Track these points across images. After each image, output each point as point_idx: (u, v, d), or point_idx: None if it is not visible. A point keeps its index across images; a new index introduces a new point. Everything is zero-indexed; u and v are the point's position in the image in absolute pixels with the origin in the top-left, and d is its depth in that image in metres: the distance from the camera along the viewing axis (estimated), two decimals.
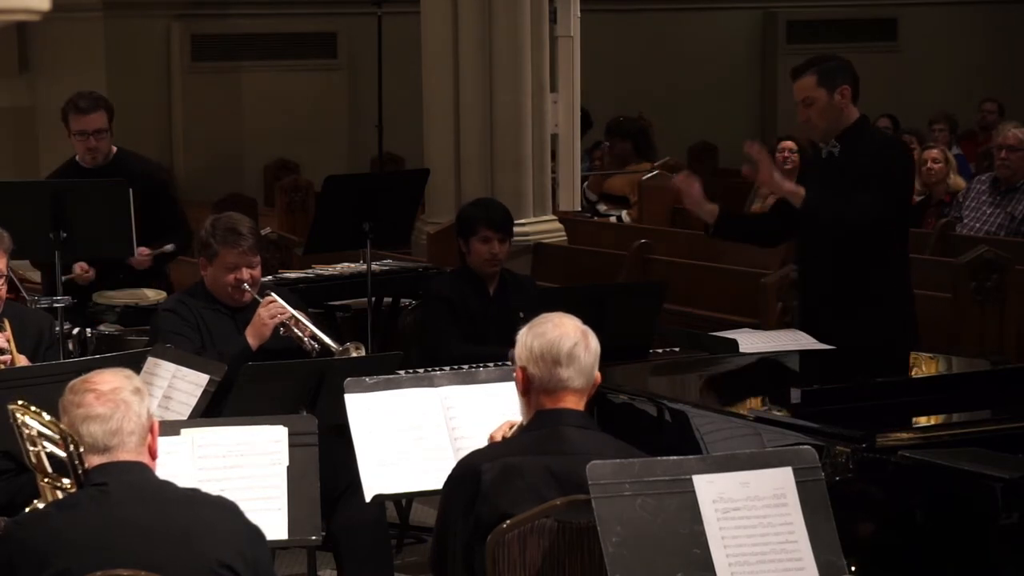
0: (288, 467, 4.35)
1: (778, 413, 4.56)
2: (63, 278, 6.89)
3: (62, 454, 3.71)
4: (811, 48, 13.07)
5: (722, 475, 3.67)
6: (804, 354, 5.68)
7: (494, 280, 6.77)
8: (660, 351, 6.41)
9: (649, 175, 11.37)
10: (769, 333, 6.15)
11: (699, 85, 15.43)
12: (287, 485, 4.33)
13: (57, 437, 3.73)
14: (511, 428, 4.23)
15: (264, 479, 4.33)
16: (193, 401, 5.06)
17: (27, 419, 3.87)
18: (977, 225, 9.49)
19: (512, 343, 4.13)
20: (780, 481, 3.69)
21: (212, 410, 5.06)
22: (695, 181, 6.22)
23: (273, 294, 5.89)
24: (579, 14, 10.33)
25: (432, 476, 4.48)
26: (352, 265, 8.28)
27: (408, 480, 4.59)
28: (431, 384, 4.71)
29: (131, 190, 6.85)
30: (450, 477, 4.05)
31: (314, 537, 4.36)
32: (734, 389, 5.45)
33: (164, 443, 3.89)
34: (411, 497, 6.26)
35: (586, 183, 11.43)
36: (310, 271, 8.23)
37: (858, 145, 6.02)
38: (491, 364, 5.79)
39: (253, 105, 13.81)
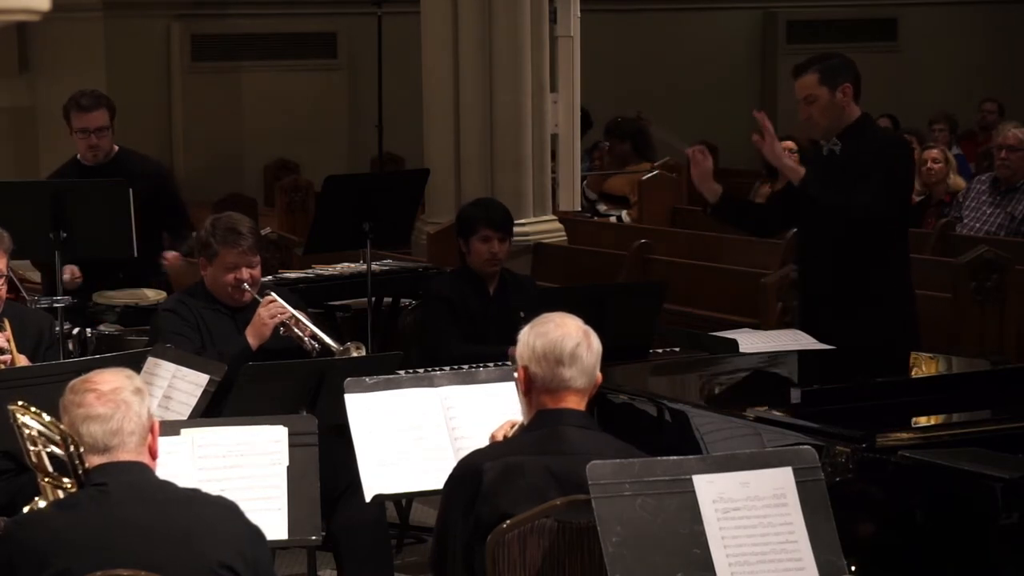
0: (288, 467, 4.35)
1: (778, 413, 4.55)
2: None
3: (62, 454, 3.71)
4: (811, 48, 13.05)
5: (722, 475, 3.67)
6: (804, 354, 5.68)
7: (494, 280, 6.78)
8: (660, 351, 6.40)
9: (649, 175, 11.37)
10: (769, 333, 6.15)
11: (699, 85, 15.43)
12: (287, 485, 4.33)
13: (57, 438, 3.73)
14: (512, 427, 4.23)
15: (264, 479, 4.33)
16: (193, 401, 5.06)
17: (27, 419, 3.87)
18: (977, 225, 9.49)
19: (512, 343, 4.13)
20: (780, 481, 3.69)
21: (212, 410, 5.06)
22: (709, 157, 6.23)
23: (273, 294, 5.89)
24: (579, 14, 10.34)
25: (432, 476, 4.48)
26: (352, 265, 8.28)
27: (408, 480, 4.59)
28: (431, 384, 4.71)
29: (131, 190, 6.85)
30: (451, 477, 4.05)
31: (314, 537, 4.36)
32: (734, 389, 5.45)
33: (164, 443, 3.89)
34: (411, 497, 6.26)
35: (585, 182, 11.43)
36: (310, 271, 8.22)
37: (860, 143, 6.03)
38: (491, 364, 5.80)
39: (253, 105, 13.81)
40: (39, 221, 6.74)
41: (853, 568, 3.89)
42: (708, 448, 4.60)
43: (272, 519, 4.24)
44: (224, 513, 3.67)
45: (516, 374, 4.10)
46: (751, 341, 5.80)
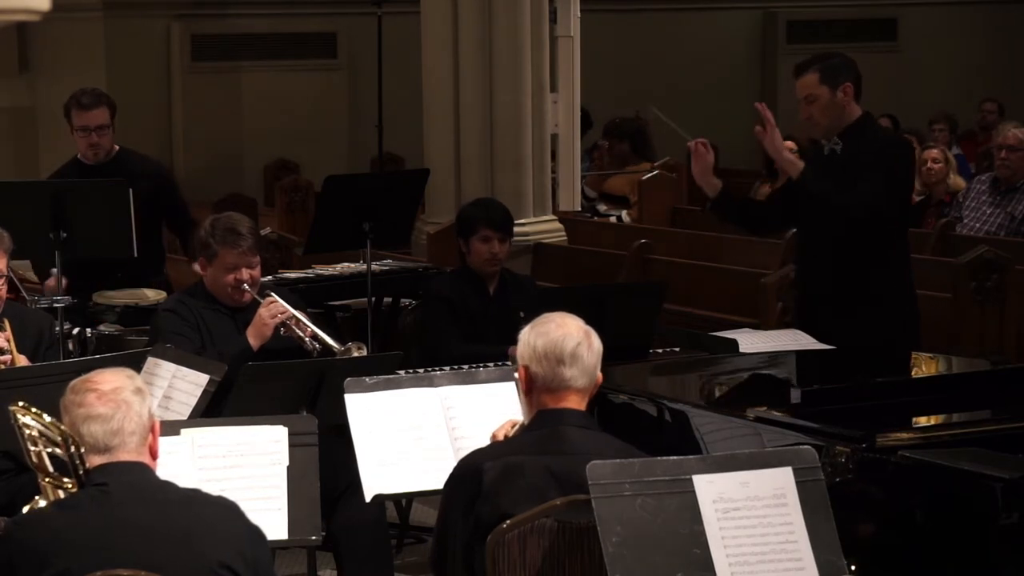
0: (288, 467, 4.35)
1: (778, 413, 4.55)
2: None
3: (63, 455, 3.71)
4: (811, 48, 13.03)
5: (722, 475, 3.67)
6: (804, 354, 5.68)
7: (494, 280, 6.78)
8: (660, 351, 6.41)
9: (649, 175, 11.37)
10: (769, 333, 6.15)
11: (699, 85, 15.42)
12: (287, 485, 4.32)
13: (58, 438, 3.73)
14: (513, 427, 4.23)
15: (264, 479, 4.33)
16: (193, 401, 5.06)
17: (28, 420, 3.87)
18: (977, 225, 9.49)
19: (512, 343, 4.14)
20: (780, 481, 3.69)
21: (212, 410, 5.06)
22: (711, 151, 6.22)
23: (273, 294, 5.89)
24: (579, 14, 10.33)
25: (432, 476, 4.48)
26: (352, 265, 8.28)
27: (408, 480, 4.59)
28: (431, 384, 4.71)
29: (132, 190, 6.86)
30: (451, 476, 4.05)
31: (314, 537, 4.36)
32: (734, 389, 5.45)
33: (164, 443, 3.89)
34: (411, 497, 6.26)
35: (584, 180, 11.42)
36: (310, 271, 8.22)
37: (861, 143, 6.03)
38: (491, 364, 5.80)
39: (253, 105, 13.81)
40: (39, 221, 6.74)
41: (853, 568, 3.89)
42: (708, 448, 4.60)
43: (272, 519, 4.24)
44: (224, 513, 3.67)
45: (516, 374, 4.10)
46: (751, 341, 5.80)
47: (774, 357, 5.67)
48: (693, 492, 3.64)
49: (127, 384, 3.68)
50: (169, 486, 3.69)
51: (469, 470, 3.97)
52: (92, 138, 7.28)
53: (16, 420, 3.90)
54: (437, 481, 4.24)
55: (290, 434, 4.39)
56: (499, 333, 6.27)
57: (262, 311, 5.76)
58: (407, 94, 11.38)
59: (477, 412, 4.64)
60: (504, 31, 9.57)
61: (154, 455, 3.72)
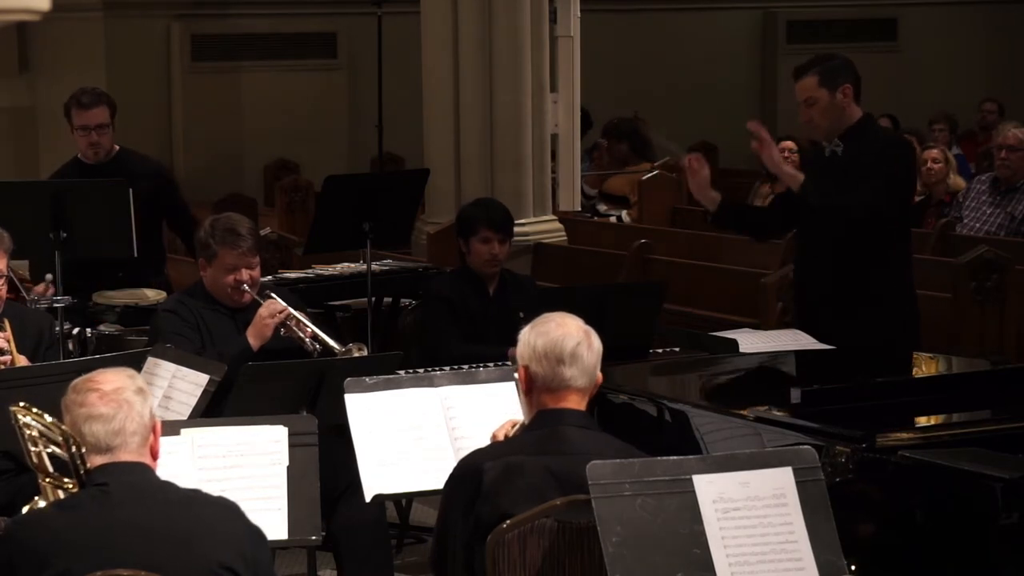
0: (288, 467, 4.35)
1: (778, 413, 4.55)
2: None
3: (64, 455, 3.71)
4: (811, 48, 13.06)
5: (722, 475, 3.67)
6: (804, 354, 5.68)
7: (494, 280, 6.77)
8: (660, 351, 6.40)
9: (649, 175, 11.37)
10: (769, 333, 6.15)
11: (699, 85, 15.42)
12: (287, 485, 4.32)
13: (59, 438, 3.73)
14: (513, 427, 4.23)
15: (264, 479, 4.33)
16: (193, 401, 5.06)
17: (29, 420, 3.87)
18: (977, 225, 9.49)
19: (512, 343, 4.14)
20: (780, 481, 3.69)
21: (212, 410, 5.06)
22: (705, 165, 6.22)
23: (273, 294, 5.89)
24: (579, 14, 10.33)
25: (432, 476, 4.48)
26: (352, 265, 8.28)
27: (408, 480, 4.59)
28: (431, 384, 4.71)
29: (132, 190, 6.86)
30: (451, 476, 4.05)
31: (314, 537, 4.36)
32: (734, 389, 5.45)
33: (164, 443, 3.89)
34: (411, 497, 6.26)
35: (583, 178, 11.42)
36: (310, 271, 8.22)
37: (861, 144, 6.03)
38: (491, 364, 5.80)
39: (253, 105, 13.81)
40: (39, 221, 6.74)
41: (853, 568, 3.89)
42: (708, 448, 4.60)
43: (272, 519, 4.24)
44: (224, 514, 3.67)
45: (516, 374, 4.10)
46: (751, 341, 5.80)
47: (774, 357, 5.67)
48: (693, 492, 3.64)
49: (129, 384, 3.68)
50: (170, 486, 3.69)
51: (469, 470, 3.97)
52: (92, 137, 7.28)
53: (17, 420, 3.90)
54: (437, 481, 4.24)
55: (290, 434, 4.39)
56: (499, 333, 6.27)
57: (262, 311, 5.76)
58: (407, 94, 11.38)
59: (477, 412, 4.64)
60: (504, 31, 9.57)
61: (155, 455, 3.72)
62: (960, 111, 14.06)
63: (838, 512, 3.71)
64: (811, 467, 3.74)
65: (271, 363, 5.42)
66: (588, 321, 4.10)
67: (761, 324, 7.28)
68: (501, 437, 4.24)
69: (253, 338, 5.74)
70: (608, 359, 4.19)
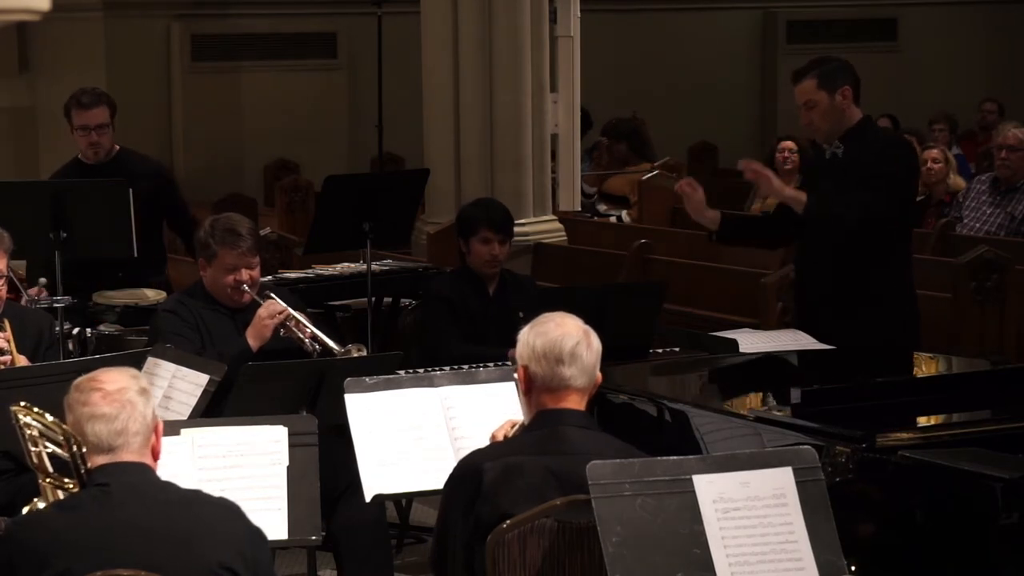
0: (288, 467, 4.35)
1: (778, 413, 4.56)
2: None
3: (65, 455, 3.71)
4: (811, 48, 13.08)
5: (722, 475, 3.67)
6: (804, 354, 5.68)
7: (494, 280, 6.77)
8: (660, 351, 6.41)
9: (649, 175, 11.37)
10: (769, 333, 6.15)
11: (699, 85, 15.42)
12: (287, 485, 4.32)
13: (60, 438, 3.73)
14: (513, 427, 4.23)
15: (264, 479, 4.33)
16: (193, 401, 5.06)
17: (29, 420, 3.87)
18: (977, 225, 9.49)
19: (512, 343, 4.14)
20: (780, 481, 3.69)
21: (212, 410, 5.06)
22: (698, 188, 6.21)
23: (273, 295, 5.89)
24: (579, 14, 10.33)
25: (432, 476, 4.48)
26: (352, 265, 8.28)
27: (408, 480, 4.59)
28: (431, 384, 4.71)
29: (132, 190, 6.86)
30: (451, 477, 4.05)
31: (314, 537, 4.36)
32: (734, 389, 5.45)
33: (164, 443, 3.89)
34: (411, 497, 6.26)
35: (582, 177, 11.42)
36: (310, 271, 8.22)
37: (862, 145, 6.03)
38: (491, 364, 5.79)
39: (253, 105, 13.81)
40: (39, 221, 6.75)
41: (853, 568, 3.89)
42: (708, 448, 4.60)
43: (272, 519, 4.24)
44: (224, 514, 3.67)
45: (516, 374, 4.10)
46: (751, 341, 5.79)
47: (774, 357, 5.67)
48: (693, 492, 3.64)
49: (132, 384, 3.68)
50: (170, 487, 3.69)
51: (469, 470, 3.97)
52: (92, 137, 7.29)
53: (17, 420, 3.90)
54: (437, 481, 4.24)
55: (290, 434, 4.39)
56: (499, 333, 6.27)
57: (261, 312, 5.76)
58: (407, 94, 11.37)
59: (477, 412, 4.64)
60: (504, 31, 9.57)
61: (156, 456, 3.72)
62: (960, 111, 14.06)
63: (838, 512, 3.71)
64: (811, 467, 3.74)
65: (271, 363, 5.43)
66: (588, 321, 4.10)
67: (761, 324, 7.28)
68: (500, 438, 4.24)
69: (252, 339, 5.74)
70: (608, 359, 4.19)
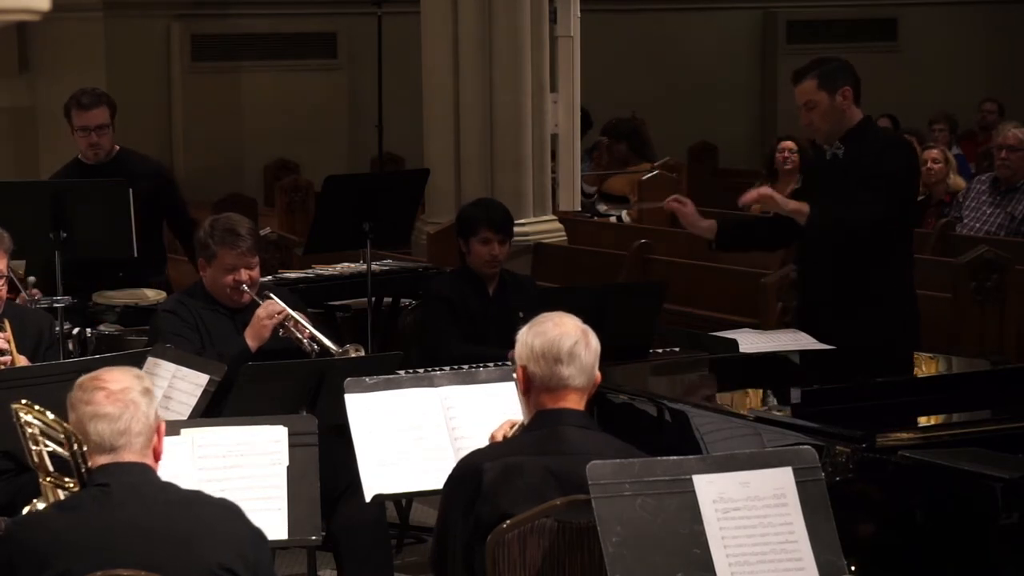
0: (288, 467, 4.35)
1: (778, 413, 4.56)
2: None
3: (65, 454, 3.71)
4: (811, 48, 13.08)
5: (722, 475, 3.67)
6: (804, 354, 5.68)
7: (494, 280, 6.77)
8: (660, 351, 6.40)
9: (649, 175, 11.37)
10: (769, 333, 6.15)
11: (699, 85, 15.43)
12: (287, 485, 4.32)
13: (61, 437, 3.73)
14: (512, 427, 4.23)
15: (264, 479, 4.33)
16: (193, 401, 5.06)
17: (30, 418, 3.87)
18: (977, 225, 9.49)
19: (512, 343, 4.13)
20: (780, 481, 3.69)
21: (212, 410, 5.06)
22: (687, 202, 6.24)
23: (272, 295, 5.89)
24: (579, 14, 10.33)
25: (432, 476, 4.48)
26: (352, 265, 8.28)
27: (408, 480, 4.59)
28: (431, 384, 4.71)
29: (132, 190, 6.86)
30: (451, 477, 4.05)
31: (314, 537, 4.36)
32: (734, 389, 5.45)
33: (164, 443, 3.89)
34: (411, 497, 6.26)
35: (582, 177, 11.41)
36: (310, 271, 8.22)
37: (862, 146, 6.03)
38: (491, 364, 5.79)
39: (253, 105, 13.81)
40: (39, 221, 6.75)
41: (853, 568, 3.89)
42: (708, 448, 4.60)
43: (272, 519, 4.24)
44: (225, 515, 3.66)
45: (515, 374, 4.10)
46: (751, 341, 5.80)
47: (774, 357, 5.67)
48: (693, 492, 3.64)
49: (136, 384, 3.68)
50: (171, 487, 3.69)
51: (469, 470, 3.97)
52: (92, 138, 7.29)
53: (18, 418, 3.90)
54: (437, 481, 4.24)
55: (290, 434, 4.39)
56: (499, 333, 6.27)
57: (259, 312, 5.76)
58: (407, 94, 11.37)
59: (477, 412, 4.64)
60: (504, 31, 9.57)
61: (158, 457, 3.71)
62: (960, 111, 14.06)
63: (838, 512, 3.71)
64: (811, 467, 3.74)
65: (271, 363, 5.43)
66: (588, 321, 4.10)
67: (761, 324, 7.28)
68: (500, 438, 4.24)
69: (251, 339, 5.74)
70: (608, 359, 4.19)
